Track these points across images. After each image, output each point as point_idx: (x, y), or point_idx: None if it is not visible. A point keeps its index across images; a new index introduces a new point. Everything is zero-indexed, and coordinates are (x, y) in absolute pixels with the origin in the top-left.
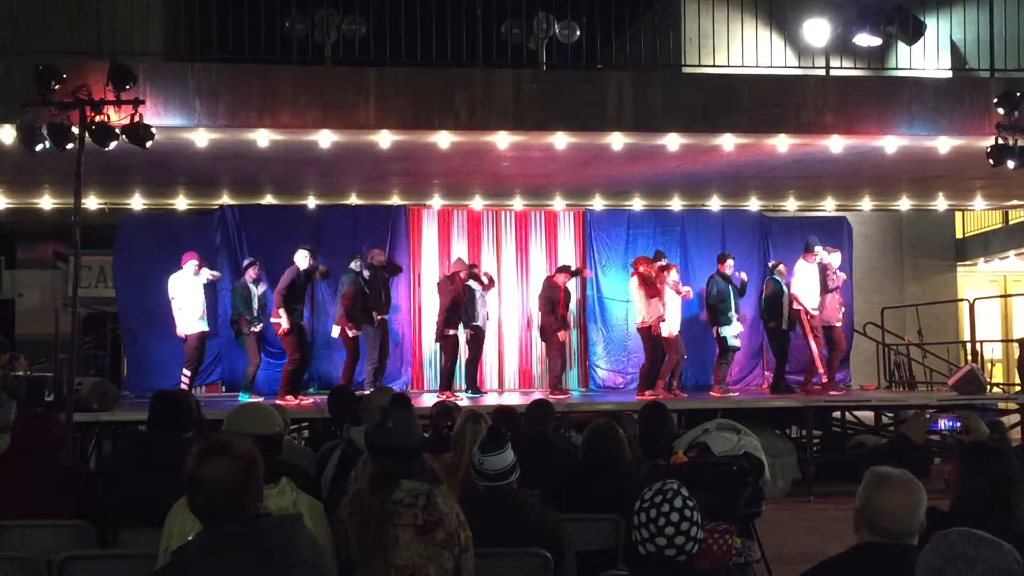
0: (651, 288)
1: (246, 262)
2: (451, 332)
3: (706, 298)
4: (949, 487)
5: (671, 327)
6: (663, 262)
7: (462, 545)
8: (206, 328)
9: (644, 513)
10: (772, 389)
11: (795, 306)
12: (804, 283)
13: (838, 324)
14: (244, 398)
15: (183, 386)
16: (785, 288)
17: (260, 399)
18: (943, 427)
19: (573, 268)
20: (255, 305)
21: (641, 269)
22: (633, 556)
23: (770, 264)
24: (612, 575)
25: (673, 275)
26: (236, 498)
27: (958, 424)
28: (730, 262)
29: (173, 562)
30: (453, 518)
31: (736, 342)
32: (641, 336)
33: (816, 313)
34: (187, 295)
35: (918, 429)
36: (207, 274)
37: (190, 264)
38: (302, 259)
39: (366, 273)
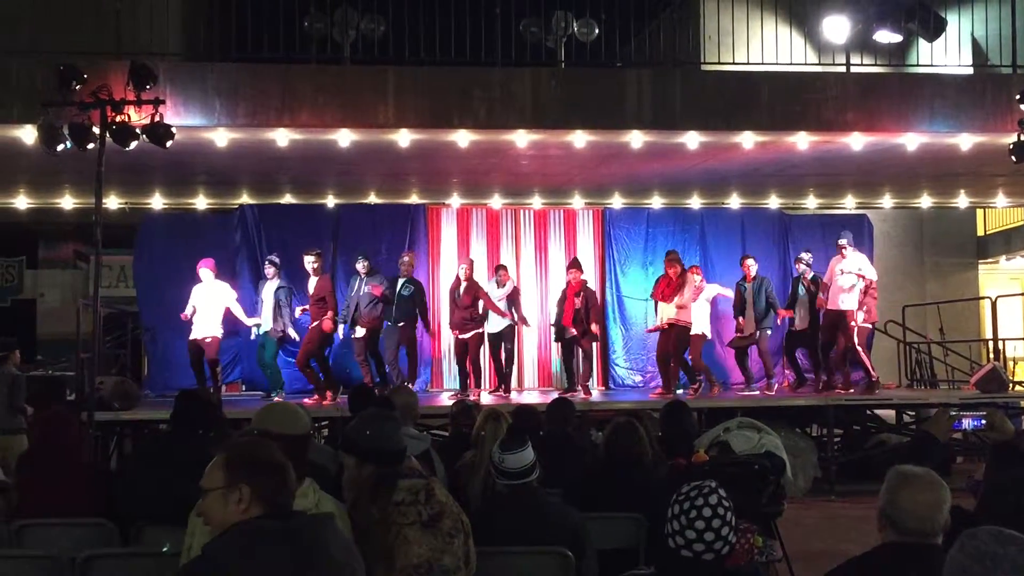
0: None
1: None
2: (455, 333)
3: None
4: (969, 486)
5: (700, 327)
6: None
7: (466, 530)
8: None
9: (679, 504)
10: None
11: (844, 307)
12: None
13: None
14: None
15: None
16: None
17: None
18: (967, 426)
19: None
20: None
21: (669, 271)
22: (660, 552)
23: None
24: (637, 574)
25: (695, 277)
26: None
27: (982, 423)
28: (748, 262)
29: (205, 555)
30: (452, 505)
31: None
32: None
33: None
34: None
35: (942, 426)
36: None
37: (204, 271)
38: (308, 264)
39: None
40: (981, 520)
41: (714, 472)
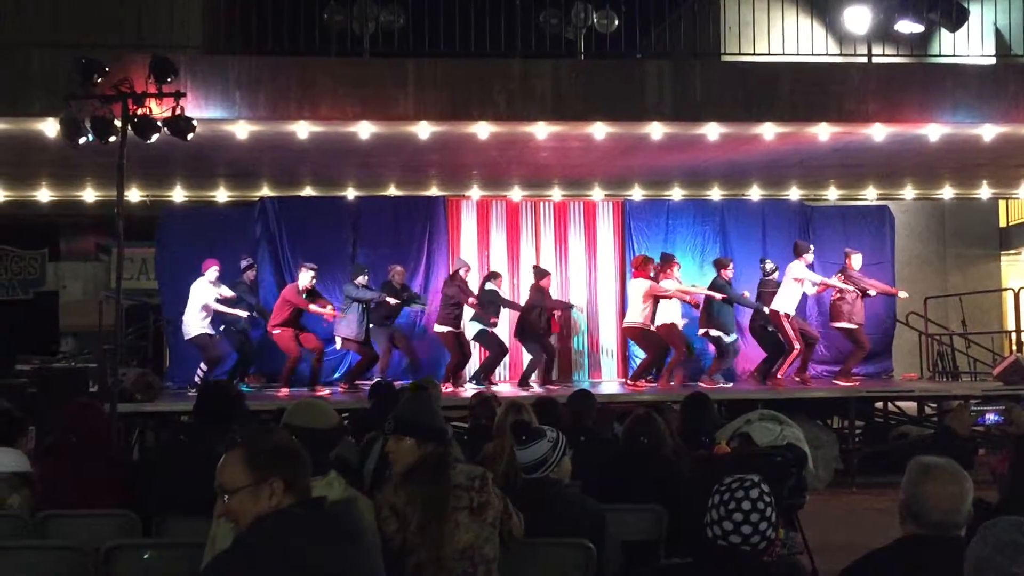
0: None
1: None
2: (444, 329)
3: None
4: (996, 479)
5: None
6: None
7: (503, 522)
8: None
9: (719, 495)
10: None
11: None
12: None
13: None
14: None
15: (197, 380)
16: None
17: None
18: (989, 420)
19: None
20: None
21: (652, 273)
22: (697, 543)
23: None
24: (672, 564)
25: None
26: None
27: (1002, 417)
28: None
29: (241, 545)
30: (498, 498)
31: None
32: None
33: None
34: (197, 299)
35: (962, 420)
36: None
37: (211, 271)
38: (306, 277)
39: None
40: (1004, 512)
41: (736, 464)
